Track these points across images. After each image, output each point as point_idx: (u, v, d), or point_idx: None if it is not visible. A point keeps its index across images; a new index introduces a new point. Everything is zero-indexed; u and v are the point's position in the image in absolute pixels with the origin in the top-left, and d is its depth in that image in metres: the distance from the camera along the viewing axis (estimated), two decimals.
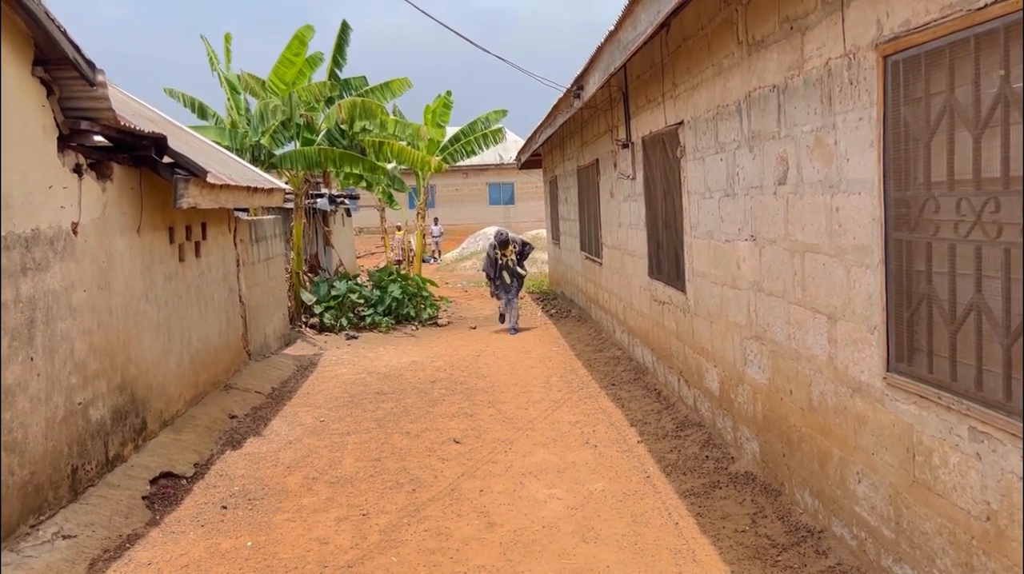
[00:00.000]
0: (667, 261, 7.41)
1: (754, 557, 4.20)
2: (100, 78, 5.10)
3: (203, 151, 8.51)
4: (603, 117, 9.96)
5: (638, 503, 5.07)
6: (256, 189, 8.40)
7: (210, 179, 6.57)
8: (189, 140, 8.70)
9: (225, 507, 5.39)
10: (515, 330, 12.42)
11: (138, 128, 5.82)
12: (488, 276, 12.88)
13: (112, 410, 5.77)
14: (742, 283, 5.35)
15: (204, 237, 8.18)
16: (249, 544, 4.75)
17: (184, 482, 5.90)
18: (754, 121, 4.93)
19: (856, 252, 3.72)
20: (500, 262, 12.68)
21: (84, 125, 5.23)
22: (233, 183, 7.40)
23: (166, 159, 6.53)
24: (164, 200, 6.82)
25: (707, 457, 5.74)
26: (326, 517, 5.12)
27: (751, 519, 4.65)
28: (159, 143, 6.20)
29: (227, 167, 8.46)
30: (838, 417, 4.02)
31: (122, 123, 5.50)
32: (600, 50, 6.79)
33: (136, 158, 6.38)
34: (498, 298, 12.84)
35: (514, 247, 12.72)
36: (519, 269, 12.70)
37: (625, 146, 8.55)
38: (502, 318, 12.83)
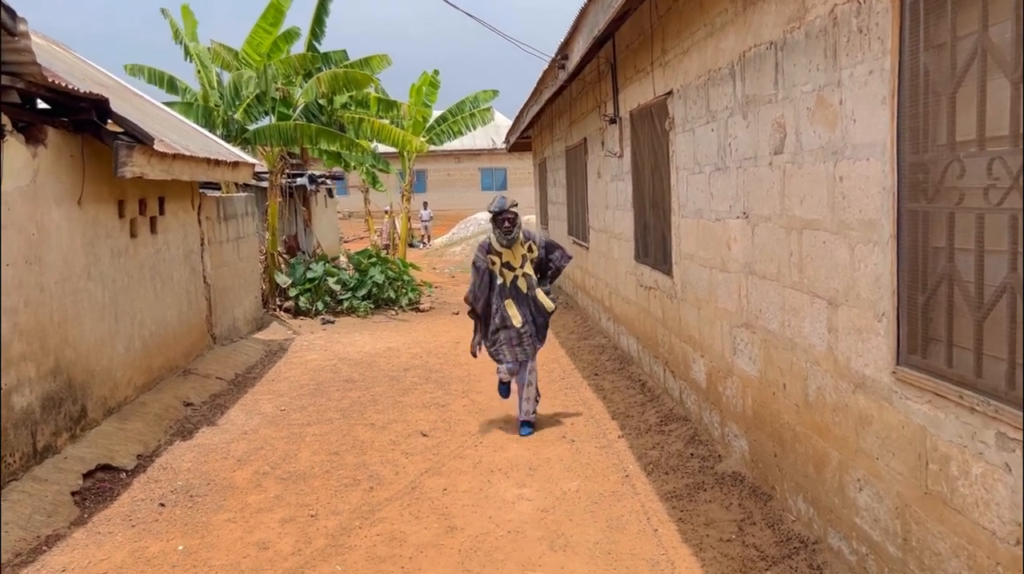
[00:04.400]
0: (654, 243, 6.92)
1: (740, 570, 3.74)
2: (22, 27, 4.55)
3: (161, 120, 7.97)
4: (591, 93, 9.44)
5: (615, 506, 4.60)
6: (218, 162, 7.86)
7: (159, 147, 6.03)
8: (145, 107, 8.14)
9: (163, 505, 4.91)
10: (530, 427, 6.04)
11: (73, 87, 5.29)
12: (473, 310, 6.07)
13: (43, 397, 5.26)
14: (732, 266, 4.87)
15: (162, 212, 7.66)
16: (180, 548, 4.27)
17: (123, 476, 5.42)
18: (748, 84, 4.43)
19: (862, 227, 3.23)
20: (500, 280, 5.93)
21: (4, 80, 4.69)
22: (188, 153, 6.86)
23: (111, 125, 6.00)
24: (112, 170, 6.28)
25: (692, 455, 5.27)
26: (271, 518, 4.64)
27: (738, 526, 4.19)
28: (100, 105, 5.66)
29: (187, 138, 7.91)
30: (837, 415, 3.55)
31: (51, 80, 4.97)
32: (584, 11, 6.27)
33: (77, 123, 5.85)
34: (498, 362, 6.06)
35: (531, 247, 5.99)
36: (539, 294, 5.99)
37: (613, 122, 8.04)
38: (505, 388, 6.27)
